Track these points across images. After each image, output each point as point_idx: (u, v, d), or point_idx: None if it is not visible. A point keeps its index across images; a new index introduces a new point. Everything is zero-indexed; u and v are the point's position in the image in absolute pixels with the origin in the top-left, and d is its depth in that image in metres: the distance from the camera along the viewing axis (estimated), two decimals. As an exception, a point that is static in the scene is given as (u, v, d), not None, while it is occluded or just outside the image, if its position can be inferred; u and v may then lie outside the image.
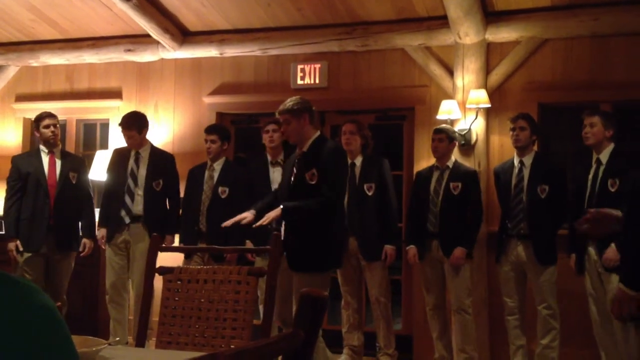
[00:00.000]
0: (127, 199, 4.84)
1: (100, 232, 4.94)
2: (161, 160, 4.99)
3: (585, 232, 2.76)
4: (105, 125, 6.21)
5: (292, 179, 3.66)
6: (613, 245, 3.76)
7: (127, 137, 4.90)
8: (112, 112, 6.05)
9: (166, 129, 5.92)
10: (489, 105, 4.88)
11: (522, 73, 5.03)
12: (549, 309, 4.27)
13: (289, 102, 3.70)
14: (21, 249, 4.75)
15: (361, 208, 4.64)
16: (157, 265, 2.42)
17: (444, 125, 4.75)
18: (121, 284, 4.90)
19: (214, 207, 4.83)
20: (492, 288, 4.80)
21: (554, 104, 5.06)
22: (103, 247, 4.95)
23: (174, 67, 5.93)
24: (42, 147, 4.90)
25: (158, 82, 5.97)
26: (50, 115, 4.88)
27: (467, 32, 4.89)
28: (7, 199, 4.85)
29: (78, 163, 5.06)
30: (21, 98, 6.36)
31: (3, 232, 4.98)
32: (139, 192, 4.86)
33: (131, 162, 4.91)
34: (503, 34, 4.98)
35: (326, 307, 1.07)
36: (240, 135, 6.02)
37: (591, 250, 3.96)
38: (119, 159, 4.99)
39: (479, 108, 4.90)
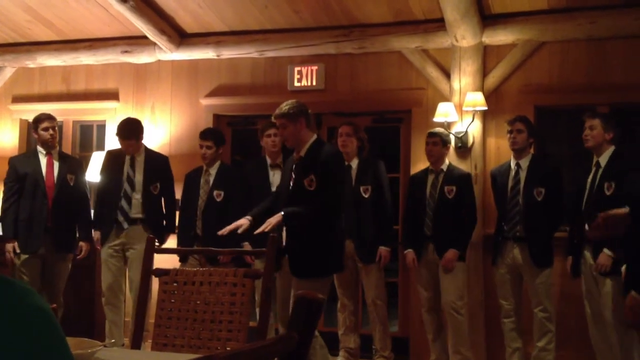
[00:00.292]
0: (125, 204, 4.83)
1: (95, 234, 4.93)
2: (156, 163, 5.00)
3: (599, 238, 2.76)
4: (101, 127, 6.20)
5: (292, 184, 3.66)
6: (606, 250, 3.77)
7: (126, 146, 4.89)
8: (109, 113, 6.05)
9: (163, 131, 5.92)
10: (486, 108, 4.89)
11: (519, 76, 5.04)
12: (545, 311, 4.28)
13: (285, 106, 3.69)
14: (18, 250, 4.74)
15: (357, 210, 4.64)
16: (154, 267, 2.42)
17: (437, 128, 4.76)
18: (118, 286, 4.89)
19: (209, 210, 4.84)
20: (488, 290, 4.81)
21: (550, 107, 5.07)
22: (98, 248, 4.94)
23: (171, 68, 5.93)
24: (39, 148, 4.90)
25: (155, 84, 5.97)
26: (49, 117, 4.87)
27: (463, 35, 4.90)
28: (4, 201, 4.84)
29: (76, 165, 5.06)
30: (18, 99, 6.35)
31: (0, 234, 4.97)
32: (137, 196, 4.86)
33: (127, 167, 4.90)
34: (500, 37, 4.99)
35: (321, 309, 1.07)
36: (236, 138, 6.01)
37: (587, 253, 3.97)
38: (113, 161, 4.98)
39: (476, 111, 4.91)
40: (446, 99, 5.05)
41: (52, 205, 4.77)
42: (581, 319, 4.13)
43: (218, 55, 5.72)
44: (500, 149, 4.98)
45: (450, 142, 4.78)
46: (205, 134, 4.98)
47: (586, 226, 3.88)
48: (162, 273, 2.40)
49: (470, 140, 4.97)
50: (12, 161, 4.93)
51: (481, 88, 4.98)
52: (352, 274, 4.74)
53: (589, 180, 4.02)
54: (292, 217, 3.54)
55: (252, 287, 2.30)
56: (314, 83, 5.52)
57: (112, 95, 6.08)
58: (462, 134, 4.96)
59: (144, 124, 5.33)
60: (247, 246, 4.67)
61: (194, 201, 4.93)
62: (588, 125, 4.04)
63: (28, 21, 5.79)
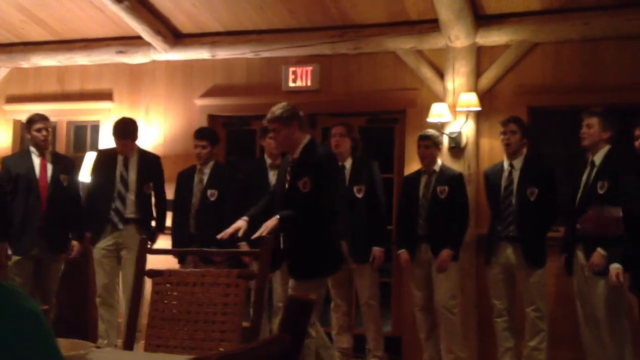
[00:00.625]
0: (119, 204, 4.82)
1: (88, 235, 4.93)
2: (149, 163, 5.00)
3: (588, 233, 2.77)
4: (95, 127, 6.19)
5: (287, 185, 3.68)
6: (599, 249, 3.78)
7: (122, 146, 4.89)
8: (103, 114, 6.04)
9: (157, 131, 5.91)
10: (479, 109, 4.91)
11: (513, 76, 5.05)
12: (538, 311, 4.29)
13: (277, 110, 3.68)
14: (10, 252, 4.72)
15: (351, 210, 4.65)
16: (148, 267, 2.43)
17: (428, 130, 4.75)
18: (112, 286, 4.89)
19: (203, 210, 4.85)
20: (480, 290, 4.82)
21: (544, 108, 5.09)
22: (90, 246, 4.93)
23: (166, 69, 5.92)
24: (32, 148, 4.88)
25: (149, 84, 5.96)
26: (42, 118, 4.85)
27: (457, 36, 4.91)
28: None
29: (69, 165, 5.05)
30: (12, 99, 6.33)
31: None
32: (131, 196, 4.85)
33: (120, 166, 4.89)
34: (494, 38, 5.01)
35: (312, 311, 1.08)
36: (231, 138, 6.01)
37: (579, 253, 3.98)
38: (105, 161, 4.97)
39: (469, 111, 4.93)
40: (440, 99, 5.07)
41: (45, 205, 4.76)
42: (573, 319, 4.15)
43: (213, 56, 5.72)
44: (493, 150, 4.99)
45: (441, 143, 4.78)
46: (200, 134, 4.99)
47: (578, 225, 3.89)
48: (155, 274, 2.40)
49: (464, 141, 4.99)
50: (5, 161, 4.91)
51: (475, 89, 4.99)
52: (346, 274, 4.75)
53: (584, 178, 4.03)
54: (287, 221, 3.55)
55: (246, 288, 2.31)
56: (309, 83, 5.53)
57: (107, 96, 6.07)
58: (455, 135, 4.97)
59: (138, 124, 5.32)
60: (243, 246, 4.67)
61: (188, 200, 4.94)
62: (586, 124, 4.04)
63: (22, 21, 5.78)
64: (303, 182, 3.55)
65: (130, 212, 4.84)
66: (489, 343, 4.68)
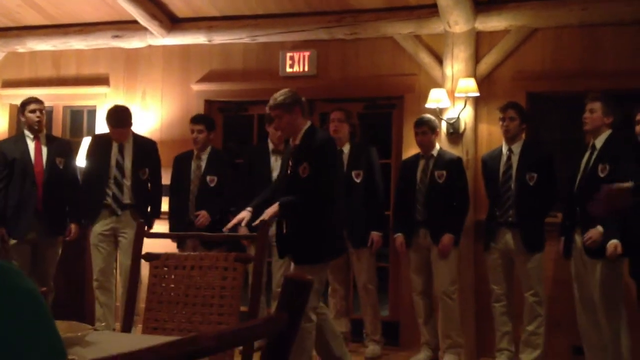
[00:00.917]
0: (116, 190, 4.81)
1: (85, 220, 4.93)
2: (145, 148, 4.98)
3: (599, 212, 2.73)
4: (92, 112, 6.16)
5: (289, 172, 3.69)
6: (599, 227, 3.76)
7: (117, 134, 4.86)
8: (100, 98, 6.01)
9: (154, 116, 5.89)
10: (478, 94, 4.89)
11: (511, 62, 5.03)
12: (536, 295, 4.30)
13: (279, 96, 3.67)
14: (7, 237, 4.72)
15: (349, 195, 4.65)
16: (145, 251, 2.43)
17: (423, 116, 4.71)
18: (110, 270, 4.90)
19: (203, 196, 4.87)
20: (479, 275, 4.83)
21: (542, 93, 5.08)
22: (88, 231, 4.93)
23: (162, 53, 5.89)
24: (26, 132, 4.86)
25: (146, 69, 5.93)
26: (36, 100, 4.84)
27: (456, 21, 4.89)
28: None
29: (65, 148, 5.02)
30: (7, 84, 6.30)
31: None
32: (127, 182, 4.85)
33: (115, 152, 4.87)
34: (493, 23, 4.98)
35: (309, 291, 1.07)
36: (228, 124, 5.99)
37: (577, 237, 3.99)
38: (100, 146, 4.95)
39: (468, 97, 4.91)
40: (438, 85, 5.05)
41: (42, 189, 4.74)
42: (571, 304, 4.16)
43: (209, 41, 5.69)
44: (492, 135, 4.98)
45: (437, 127, 4.75)
46: (196, 119, 5.02)
47: (578, 209, 3.90)
48: (152, 257, 2.40)
49: (462, 127, 4.97)
50: (0, 146, 4.89)
51: (473, 74, 4.98)
52: (344, 258, 4.75)
53: (584, 161, 4.01)
54: (288, 207, 3.57)
55: (244, 271, 2.31)
56: (306, 69, 5.50)
57: (103, 81, 6.03)
58: (454, 120, 4.96)
59: (134, 109, 5.31)
60: (243, 229, 4.70)
61: (185, 185, 4.94)
62: (589, 108, 4.01)
63: (18, 5, 5.73)
64: (302, 167, 3.57)
65: (126, 198, 4.84)
66: (487, 327, 4.70)
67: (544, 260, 4.36)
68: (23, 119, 4.89)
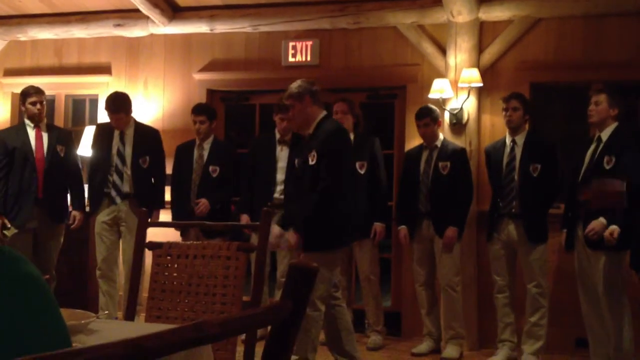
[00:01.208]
0: (117, 179, 4.81)
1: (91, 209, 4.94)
2: (146, 136, 4.97)
3: (588, 203, 2.74)
4: (94, 101, 6.15)
5: (302, 160, 3.74)
6: (602, 218, 3.74)
7: (116, 120, 4.86)
8: (101, 87, 5.99)
9: (156, 106, 5.87)
10: (481, 85, 4.87)
11: (515, 52, 5.01)
12: (539, 287, 4.30)
13: (293, 86, 3.71)
14: (9, 225, 4.72)
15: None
16: (148, 240, 2.42)
17: (423, 107, 4.68)
18: (113, 259, 4.90)
19: (204, 186, 4.87)
20: (481, 266, 4.83)
21: (546, 84, 5.05)
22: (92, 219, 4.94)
23: (164, 42, 5.87)
24: (27, 121, 4.85)
25: (148, 58, 5.91)
26: (37, 91, 4.82)
27: (460, 11, 4.86)
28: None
29: (65, 136, 5.02)
30: (9, 72, 6.28)
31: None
32: (127, 171, 4.84)
33: (117, 141, 4.88)
34: (496, 13, 4.96)
35: (314, 279, 1.06)
36: (230, 113, 5.98)
37: (579, 229, 3.97)
38: (103, 135, 4.95)
39: (471, 87, 4.89)
40: (441, 75, 5.02)
41: (43, 177, 4.74)
42: (574, 295, 4.16)
43: (211, 30, 5.66)
44: (495, 126, 4.97)
45: (439, 117, 4.72)
46: (197, 109, 5.01)
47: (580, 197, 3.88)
48: (155, 246, 2.40)
49: (465, 117, 4.96)
50: (0, 135, 4.89)
51: (477, 64, 4.95)
52: (346, 249, 4.76)
53: (589, 153, 3.96)
54: (304, 224, 3.57)
55: (246, 260, 2.31)
56: (309, 59, 5.48)
57: (105, 69, 6.02)
58: (457, 111, 4.94)
59: (136, 98, 5.30)
60: (245, 218, 4.70)
61: (188, 176, 4.94)
62: (594, 101, 3.97)
63: (19, -7, 5.71)
64: (312, 155, 3.59)
65: (126, 187, 4.84)
66: (489, 319, 4.71)
67: (547, 251, 4.35)
68: (23, 109, 4.88)
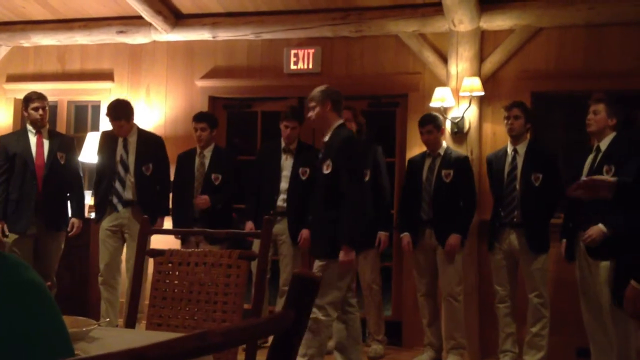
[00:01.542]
0: (119, 186, 4.82)
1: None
2: (149, 143, 4.98)
3: (578, 197, 2.73)
4: (96, 107, 6.16)
5: (317, 170, 3.76)
6: (601, 224, 3.74)
7: (117, 127, 4.88)
8: (104, 94, 6.01)
9: (158, 112, 5.88)
10: (483, 93, 4.88)
11: (516, 61, 5.02)
12: (540, 297, 4.29)
13: (318, 88, 3.77)
14: (7, 232, 4.72)
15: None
16: (150, 248, 2.42)
17: (426, 115, 4.68)
18: (115, 266, 4.90)
19: (206, 193, 4.87)
20: (482, 275, 4.82)
21: (547, 93, 5.06)
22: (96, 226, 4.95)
23: (167, 49, 5.88)
24: (29, 127, 4.86)
25: (150, 65, 5.93)
26: (39, 97, 4.83)
27: (461, 20, 4.87)
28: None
29: (67, 143, 5.02)
30: (12, 78, 6.30)
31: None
32: (131, 178, 4.85)
33: (120, 148, 4.89)
34: (497, 22, 4.97)
35: (318, 288, 1.06)
36: (232, 120, 5.99)
37: (581, 240, 3.95)
38: (107, 142, 4.97)
39: (473, 96, 4.89)
40: (443, 83, 5.03)
41: (42, 183, 4.74)
42: (574, 305, 4.14)
43: (214, 37, 5.68)
44: (496, 135, 4.97)
45: (442, 125, 4.72)
46: (199, 117, 5.03)
47: (580, 210, 3.87)
48: (157, 254, 2.40)
49: (467, 126, 4.96)
50: (1, 140, 4.89)
51: (478, 73, 4.96)
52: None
53: (588, 162, 3.96)
54: (353, 238, 3.54)
55: (247, 269, 2.31)
56: (310, 66, 5.49)
57: (107, 76, 6.03)
58: (458, 119, 4.95)
59: (139, 105, 5.30)
60: (249, 225, 4.75)
61: (189, 183, 4.95)
62: (592, 110, 3.97)
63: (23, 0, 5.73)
64: (327, 164, 3.61)
65: (129, 194, 4.84)
66: (490, 328, 4.70)
67: (548, 261, 4.34)
68: (26, 115, 4.90)
